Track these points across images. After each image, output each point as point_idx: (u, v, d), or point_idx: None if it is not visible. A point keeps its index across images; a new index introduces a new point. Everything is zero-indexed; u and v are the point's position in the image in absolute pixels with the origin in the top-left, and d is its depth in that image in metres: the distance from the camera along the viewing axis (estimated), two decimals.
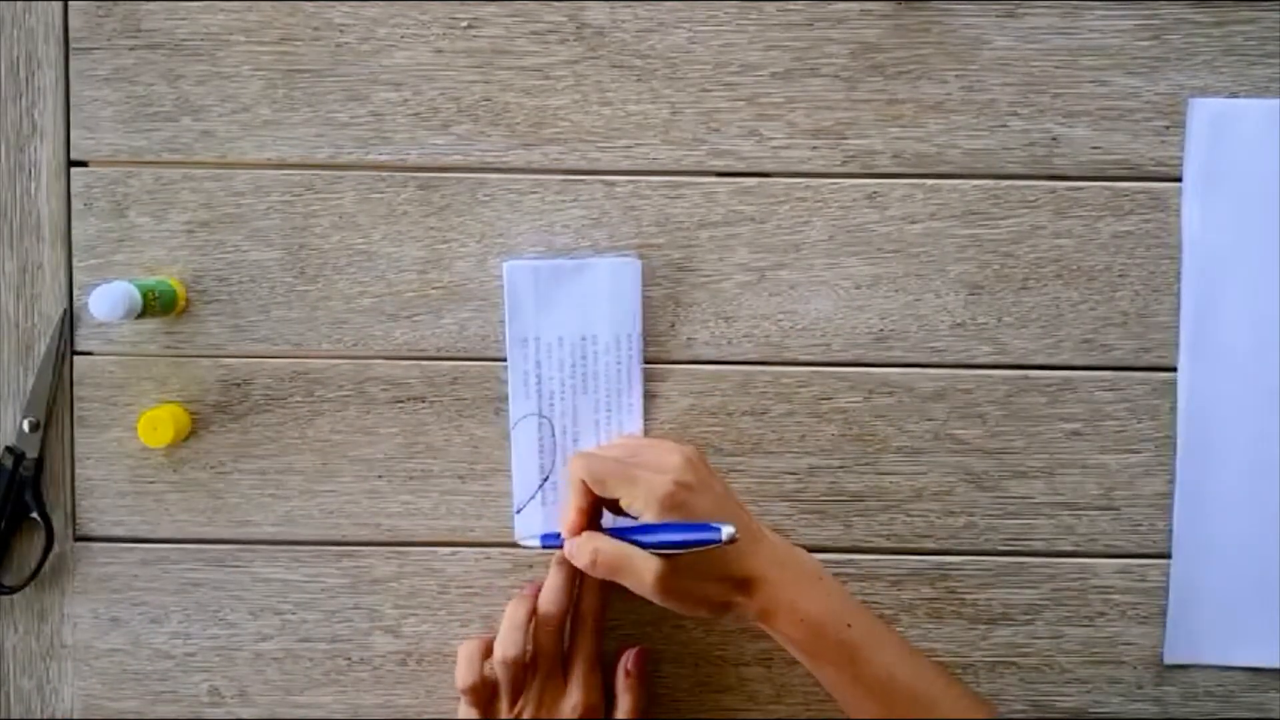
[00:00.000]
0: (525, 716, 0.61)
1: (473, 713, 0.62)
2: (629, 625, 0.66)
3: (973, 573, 0.65)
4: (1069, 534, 0.65)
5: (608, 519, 0.60)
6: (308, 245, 0.64)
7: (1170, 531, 0.65)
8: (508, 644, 0.61)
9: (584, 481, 0.58)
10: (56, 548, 0.65)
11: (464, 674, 0.61)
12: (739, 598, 0.57)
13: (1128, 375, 0.65)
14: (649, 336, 0.65)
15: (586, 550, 0.57)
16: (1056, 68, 0.63)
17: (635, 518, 0.57)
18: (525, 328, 0.64)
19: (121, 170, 0.64)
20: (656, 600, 0.56)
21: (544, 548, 0.61)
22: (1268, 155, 0.63)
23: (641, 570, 0.56)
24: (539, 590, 0.62)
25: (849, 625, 0.57)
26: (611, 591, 0.64)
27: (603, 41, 0.64)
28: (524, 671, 0.62)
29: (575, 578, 0.63)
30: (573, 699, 0.62)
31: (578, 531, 0.58)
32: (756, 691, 0.66)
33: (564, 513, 0.59)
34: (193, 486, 0.65)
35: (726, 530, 0.53)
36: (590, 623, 0.63)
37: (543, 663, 0.61)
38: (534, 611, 0.62)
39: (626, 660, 0.64)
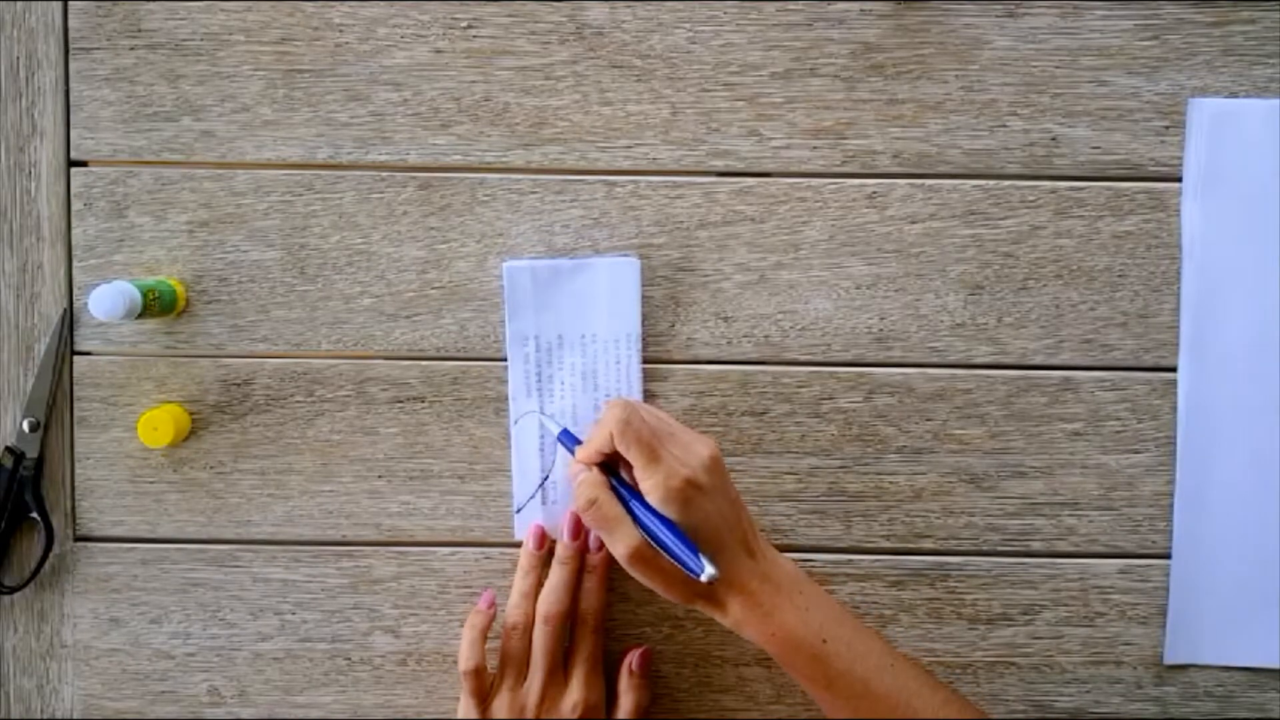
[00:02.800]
0: (527, 715, 0.61)
1: (471, 704, 0.62)
2: (629, 625, 0.66)
3: (973, 573, 0.65)
4: (1069, 534, 0.65)
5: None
6: (308, 245, 0.65)
7: (1170, 531, 0.65)
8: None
9: (613, 435, 0.58)
10: (56, 548, 0.65)
11: (465, 657, 0.62)
12: (706, 605, 0.58)
13: (1128, 375, 0.65)
14: (649, 336, 0.65)
15: (588, 493, 0.58)
16: (1056, 68, 0.63)
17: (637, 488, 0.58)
18: (525, 327, 0.64)
19: (121, 170, 0.64)
20: (624, 567, 0.57)
21: (560, 442, 0.63)
22: (1268, 155, 0.63)
23: (623, 539, 0.57)
24: (492, 600, 0.64)
25: (824, 640, 0.57)
26: (610, 592, 0.64)
27: (603, 41, 0.64)
28: (515, 670, 0.62)
29: (576, 578, 0.63)
30: (573, 698, 0.62)
31: (591, 464, 0.59)
32: (756, 691, 0.66)
33: (586, 445, 0.60)
34: (193, 486, 0.65)
35: (708, 572, 0.54)
36: (591, 622, 0.63)
37: (544, 662, 0.62)
38: (488, 624, 0.63)
39: (631, 660, 0.64)
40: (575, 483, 0.59)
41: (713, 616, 0.58)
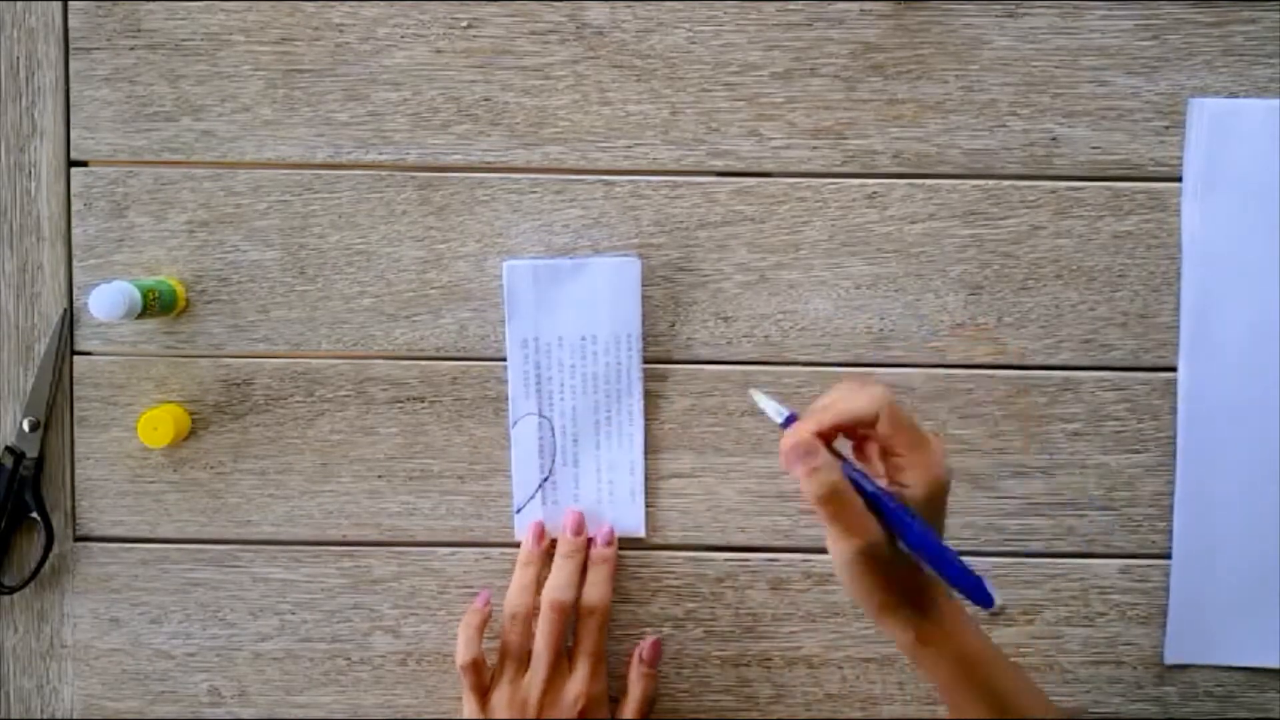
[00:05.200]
0: (529, 708, 0.61)
1: (472, 699, 0.62)
2: (629, 626, 0.66)
3: None
4: (1069, 534, 0.65)
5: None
6: (307, 245, 0.65)
7: (1170, 531, 0.65)
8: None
9: (836, 425, 0.49)
10: (56, 548, 0.65)
11: (463, 650, 0.62)
12: (909, 612, 0.50)
13: (1128, 375, 0.65)
14: (649, 336, 0.65)
15: (827, 477, 0.48)
16: (1056, 68, 0.63)
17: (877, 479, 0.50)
18: (525, 328, 0.64)
19: (121, 170, 0.64)
20: (841, 569, 0.49)
21: (782, 426, 0.51)
22: (1268, 155, 0.63)
23: (859, 533, 0.48)
24: (488, 600, 0.64)
25: (993, 666, 0.51)
26: (613, 588, 0.64)
27: (603, 41, 0.64)
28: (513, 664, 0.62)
29: (581, 568, 0.63)
30: (576, 690, 0.62)
31: (813, 436, 0.49)
32: (756, 691, 0.66)
33: (815, 417, 0.49)
34: (193, 486, 0.65)
35: (999, 602, 0.47)
36: (598, 617, 0.63)
37: (547, 653, 0.61)
38: (484, 622, 0.63)
39: (642, 649, 0.64)
40: (798, 464, 0.48)
41: (897, 634, 0.50)
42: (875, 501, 0.48)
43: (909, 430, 0.49)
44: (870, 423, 0.49)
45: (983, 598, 0.47)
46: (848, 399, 0.49)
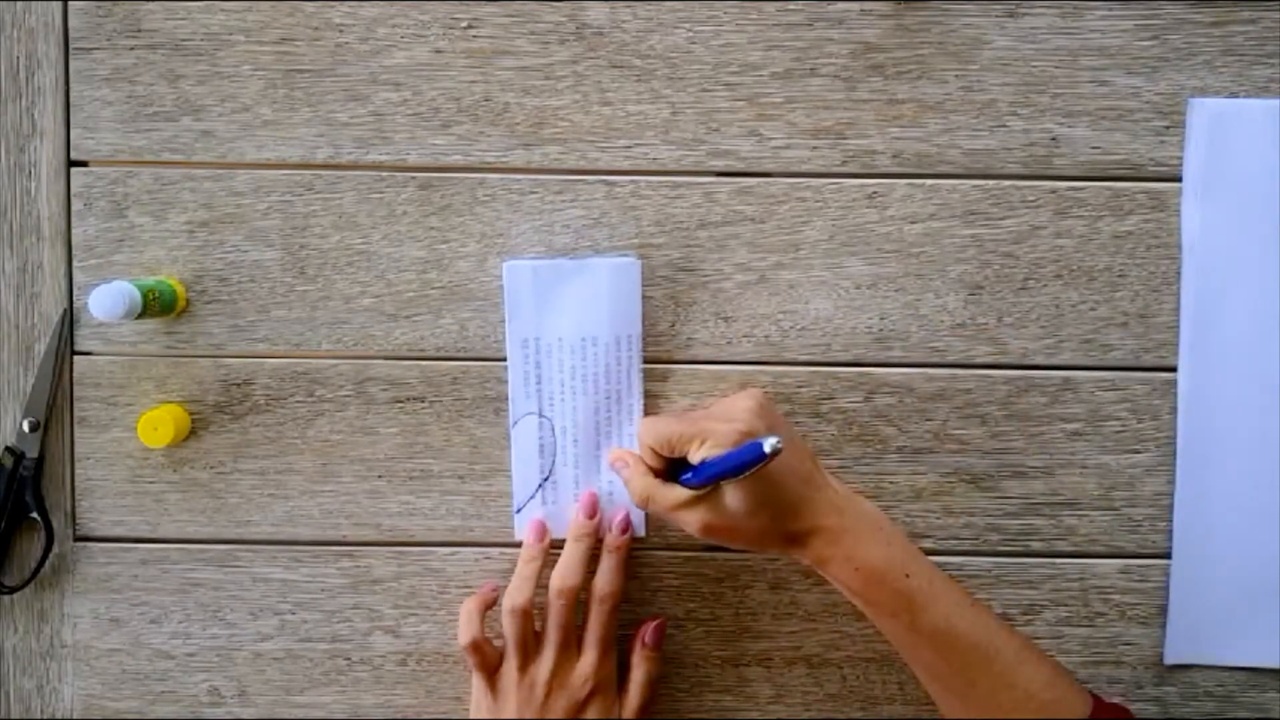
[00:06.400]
0: (538, 690, 0.61)
1: (480, 680, 0.62)
2: (629, 625, 0.65)
3: (973, 573, 0.65)
4: (1069, 534, 0.65)
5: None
6: (308, 245, 0.65)
7: (1170, 531, 0.65)
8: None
9: (652, 448, 0.59)
10: (56, 548, 0.65)
11: (465, 630, 0.62)
12: (788, 546, 0.58)
13: (1128, 375, 0.65)
14: (649, 336, 0.65)
15: (639, 490, 0.60)
16: (1056, 68, 0.63)
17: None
18: (525, 328, 0.64)
19: (121, 170, 0.64)
20: (710, 540, 0.58)
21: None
22: (1268, 155, 0.63)
23: (691, 516, 0.57)
24: (495, 587, 0.64)
25: (907, 575, 0.57)
26: (628, 574, 0.64)
27: (603, 41, 0.64)
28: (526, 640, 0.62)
29: (590, 555, 0.63)
30: (585, 671, 0.61)
31: (625, 458, 0.62)
32: (756, 691, 0.66)
33: (633, 478, 0.61)
34: (193, 486, 0.65)
35: (769, 442, 0.51)
36: (609, 603, 0.63)
37: (557, 636, 0.61)
38: (487, 604, 0.63)
39: (644, 632, 0.64)
40: (624, 481, 0.62)
41: (797, 558, 0.58)
42: (695, 481, 0.57)
43: (679, 440, 0.58)
44: (662, 460, 0.60)
45: (756, 457, 0.52)
46: (636, 466, 0.61)
